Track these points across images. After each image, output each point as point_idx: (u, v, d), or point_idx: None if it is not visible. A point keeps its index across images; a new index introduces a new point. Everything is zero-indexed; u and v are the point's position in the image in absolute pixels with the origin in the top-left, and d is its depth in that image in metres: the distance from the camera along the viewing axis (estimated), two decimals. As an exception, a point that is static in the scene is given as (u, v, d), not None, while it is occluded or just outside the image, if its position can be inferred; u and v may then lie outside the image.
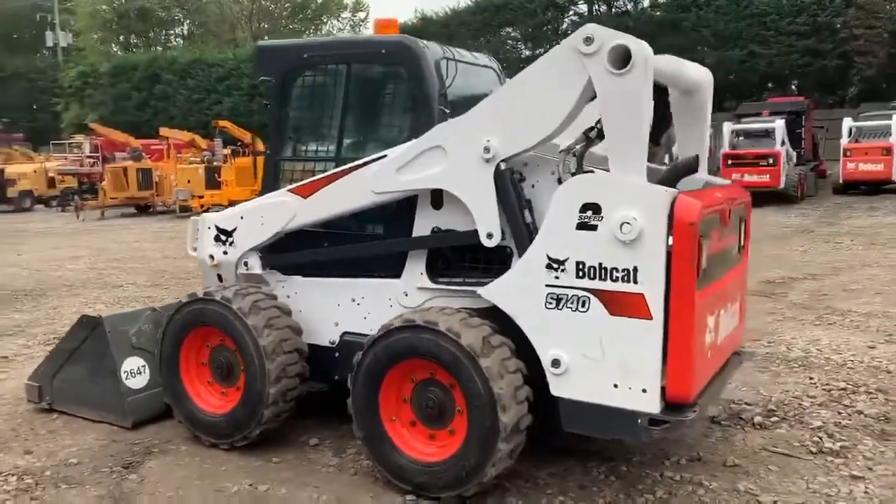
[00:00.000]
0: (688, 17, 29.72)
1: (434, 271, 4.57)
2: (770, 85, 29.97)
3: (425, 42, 4.66)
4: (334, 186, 4.64)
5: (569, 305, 3.92)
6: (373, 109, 4.98)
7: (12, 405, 5.69)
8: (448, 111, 4.48)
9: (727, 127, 20.66)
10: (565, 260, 3.90)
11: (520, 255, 4.11)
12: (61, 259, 13.88)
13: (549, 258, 3.95)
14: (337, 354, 4.83)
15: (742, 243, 4.79)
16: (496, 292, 4.16)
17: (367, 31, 51.70)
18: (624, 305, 3.78)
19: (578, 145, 4.12)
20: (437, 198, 4.48)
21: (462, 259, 4.52)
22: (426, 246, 4.55)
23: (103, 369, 5.23)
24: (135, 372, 5.27)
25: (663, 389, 3.75)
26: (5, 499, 4.18)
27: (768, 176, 19.45)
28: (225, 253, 5.10)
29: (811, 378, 6.04)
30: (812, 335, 7.37)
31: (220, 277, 5.22)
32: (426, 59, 4.53)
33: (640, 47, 3.68)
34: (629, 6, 32.72)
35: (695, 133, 4.88)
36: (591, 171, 4.08)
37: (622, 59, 3.68)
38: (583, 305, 3.88)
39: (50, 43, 54.72)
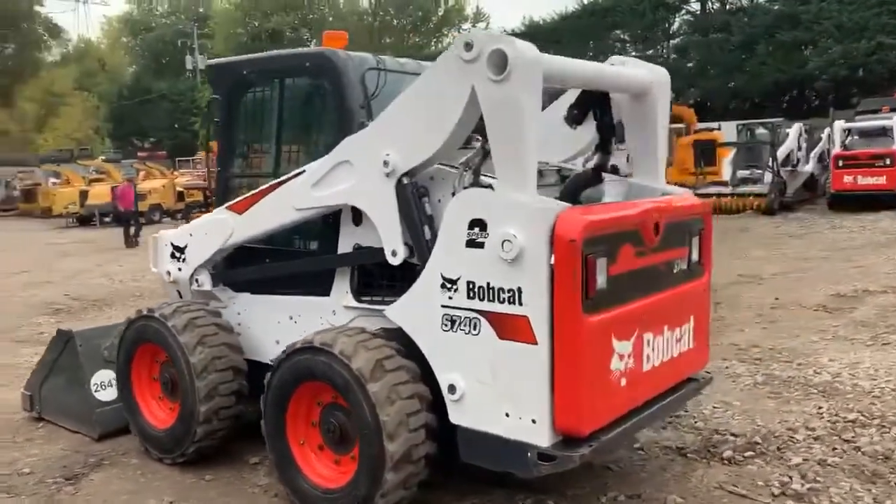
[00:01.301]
0: (808, 10, 27.84)
1: (359, 289, 4.44)
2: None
3: (351, 53, 4.55)
4: (263, 203, 4.61)
5: (462, 327, 3.69)
6: (304, 123, 4.92)
7: (12, 413, 6.01)
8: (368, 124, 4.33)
9: (838, 125, 19.11)
10: (457, 279, 3.68)
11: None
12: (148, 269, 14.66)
13: (443, 277, 3.74)
14: None
15: (698, 258, 4.35)
16: (398, 312, 3.99)
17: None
18: (511, 329, 3.52)
19: (477, 157, 3.87)
20: (358, 214, 4.35)
21: (384, 277, 4.36)
22: (343, 264, 4.43)
23: (75, 381, 5.44)
24: (105, 384, 5.44)
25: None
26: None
27: (885, 178, 17.80)
28: (179, 269, 5.18)
29: (821, 407, 5.40)
30: (854, 357, 6.61)
31: (179, 294, 5.31)
32: (347, 70, 4.41)
33: (517, 51, 3.41)
34: (744, 1, 31.01)
35: (647, 139, 4.48)
36: (488, 186, 3.82)
37: (501, 64, 3.43)
38: (474, 328, 3.64)
39: (190, 66, 58.42)
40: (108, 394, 5.44)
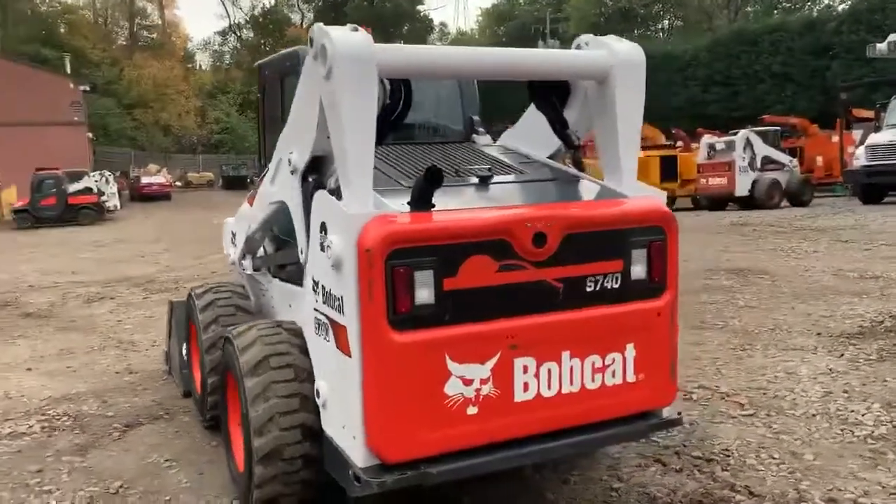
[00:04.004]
0: None
1: (315, 283, 4.50)
2: None
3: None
4: (258, 196, 4.89)
5: (321, 332, 3.63)
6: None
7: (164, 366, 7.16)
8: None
9: None
10: (319, 282, 3.61)
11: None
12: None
13: (312, 280, 3.69)
14: None
15: (647, 276, 3.61)
16: (297, 311, 4.00)
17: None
18: (340, 338, 3.38)
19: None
20: (313, 209, 4.40)
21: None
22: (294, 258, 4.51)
23: (175, 344, 6.31)
24: (194, 349, 6.22)
25: (382, 441, 3.23)
26: (29, 431, 5.50)
27: None
28: (235, 254, 5.70)
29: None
30: None
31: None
32: (310, 67, 4.47)
33: (335, 45, 3.20)
34: None
35: (607, 133, 3.83)
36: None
37: (325, 60, 3.26)
38: (326, 334, 3.56)
39: (541, 50, 60.41)
40: (196, 357, 6.22)
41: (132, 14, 74.95)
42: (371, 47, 3.26)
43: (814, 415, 5.19)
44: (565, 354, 3.46)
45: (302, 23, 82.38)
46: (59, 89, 41.21)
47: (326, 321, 3.51)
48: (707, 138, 24.35)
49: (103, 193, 33.98)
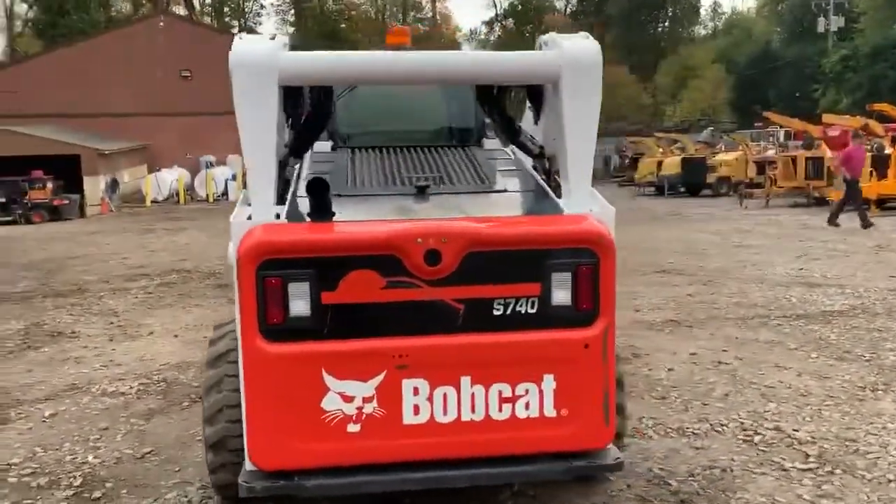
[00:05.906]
0: None
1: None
2: None
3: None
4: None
5: (249, 335, 3.72)
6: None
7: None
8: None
9: None
10: (244, 286, 3.71)
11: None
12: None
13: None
14: None
15: (572, 302, 3.23)
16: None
17: None
18: (242, 343, 3.44)
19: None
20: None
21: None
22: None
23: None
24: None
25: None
26: (127, 391, 6.23)
27: None
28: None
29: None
30: None
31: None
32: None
33: (234, 55, 3.25)
34: None
35: (558, 139, 3.47)
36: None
37: (232, 67, 3.33)
38: (247, 337, 3.64)
39: (821, 29, 54.57)
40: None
41: (406, 8, 79.86)
42: (272, 57, 3.24)
43: (889, 480, 4.28)
44: (465, 380, 3.22)
45: (565, 10, 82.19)
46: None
47: (245, 325, 3.59)
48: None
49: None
